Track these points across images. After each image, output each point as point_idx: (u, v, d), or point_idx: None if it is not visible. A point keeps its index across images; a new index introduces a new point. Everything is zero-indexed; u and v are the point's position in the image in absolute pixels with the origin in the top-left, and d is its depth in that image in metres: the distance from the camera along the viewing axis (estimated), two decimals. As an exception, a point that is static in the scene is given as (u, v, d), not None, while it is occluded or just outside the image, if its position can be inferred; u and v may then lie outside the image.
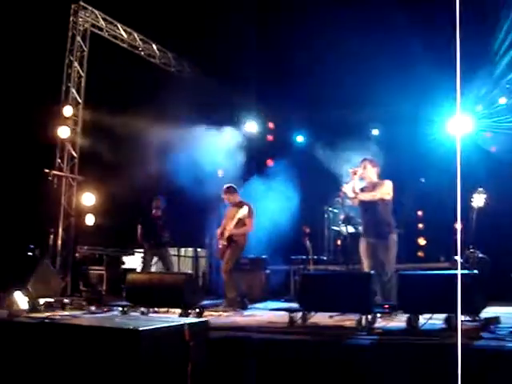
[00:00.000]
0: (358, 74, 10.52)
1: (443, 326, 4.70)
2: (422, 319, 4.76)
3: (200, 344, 3.33)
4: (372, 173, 6.27)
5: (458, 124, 9.94)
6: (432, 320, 4.76)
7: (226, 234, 7.54)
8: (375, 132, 13.13)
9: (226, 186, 8.08)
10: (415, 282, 4.74)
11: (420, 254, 12.16)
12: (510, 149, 9.89)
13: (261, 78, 11.77)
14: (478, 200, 6.80)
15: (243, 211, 7.45)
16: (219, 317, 6.39)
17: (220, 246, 7.66)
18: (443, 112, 10.88)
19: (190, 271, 9.77)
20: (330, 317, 5.63)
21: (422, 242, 12.40)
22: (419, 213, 12.35)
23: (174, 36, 11.03)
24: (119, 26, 10.62)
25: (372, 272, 5.20)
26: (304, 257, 10.20)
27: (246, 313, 6.92)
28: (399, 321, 5.15)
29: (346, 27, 9.96)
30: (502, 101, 10.34)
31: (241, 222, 7.55)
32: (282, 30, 10.96)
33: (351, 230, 10.41)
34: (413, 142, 11.74)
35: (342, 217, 11.20)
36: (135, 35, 10.93)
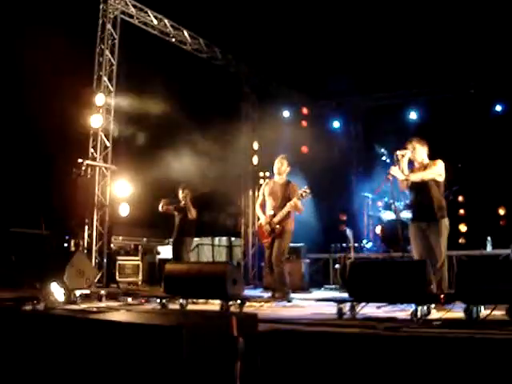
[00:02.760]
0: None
1: (506, 317, 4.34)
2: (484, 310, 4.41)
3: (250, 340, 3.05)
4: (422, 153, 5.84)
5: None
6: (494, 311, 4.40)
7: (277, 218, 6.86)
8: (413, 115, 12.78)
9: (282, 155, 7.24)
10: (477, 269, 4.35)
11: (461, 240, 11.81)
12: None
13: (293, 63, 11.47)
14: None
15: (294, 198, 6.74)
16: (260, 308, 6.13)
17: (264, 231, 6.99)
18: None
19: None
20: (378, 307, 5.32)
21: (463, 228, 12.02)
22: (460, 198, 11.94)
23: (205, 22, 10.75)
24: (149, 12, 10.39)
25: (427, 259, 4.84)
26: (344, 245, 9.88)
27: (288, 304, 6.64)
28: (456, 312, 4.79)
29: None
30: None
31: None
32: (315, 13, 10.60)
33: (391, 216, 10.06)
34: (452, 124, 11.33)
35: (380, 203, 10.85)
36: (166, 21, 10.68)
